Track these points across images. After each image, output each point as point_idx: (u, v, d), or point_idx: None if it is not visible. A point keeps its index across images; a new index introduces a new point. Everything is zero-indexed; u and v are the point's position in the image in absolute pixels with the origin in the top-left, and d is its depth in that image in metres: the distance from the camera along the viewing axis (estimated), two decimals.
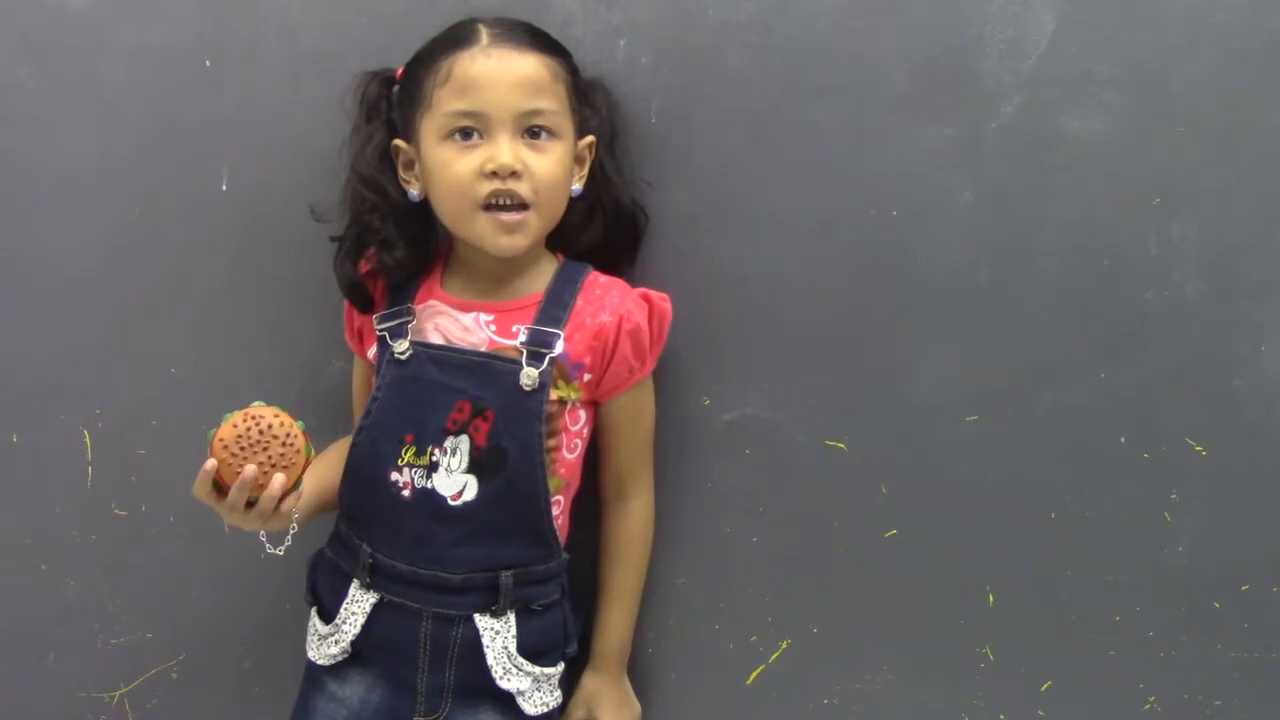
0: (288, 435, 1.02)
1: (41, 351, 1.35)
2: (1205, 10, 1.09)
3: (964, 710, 1.22)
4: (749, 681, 1.25)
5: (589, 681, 1.21)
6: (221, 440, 1.01)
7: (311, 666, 1.21)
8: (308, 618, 1.22)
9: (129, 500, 1.35)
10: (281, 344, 1.30)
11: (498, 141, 1.07)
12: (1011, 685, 1.20)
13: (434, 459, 1.11)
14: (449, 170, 1.08)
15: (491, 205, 1.08)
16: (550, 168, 1.09)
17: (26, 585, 1.38)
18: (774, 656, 1.24)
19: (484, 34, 1.09)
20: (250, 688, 1.36)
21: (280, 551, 1.09)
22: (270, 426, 1.01)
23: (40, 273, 1.33)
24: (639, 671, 1.27)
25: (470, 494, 1.11)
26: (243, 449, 1.01)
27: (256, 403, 1.03)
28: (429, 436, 1.11)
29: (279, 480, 1.01)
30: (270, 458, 1.01)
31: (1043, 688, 1.20)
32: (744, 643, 1.25)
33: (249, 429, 1.01)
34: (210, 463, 1.00)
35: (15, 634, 1.40)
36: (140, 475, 1.34)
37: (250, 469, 1.00)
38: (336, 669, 1.19)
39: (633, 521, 1.20)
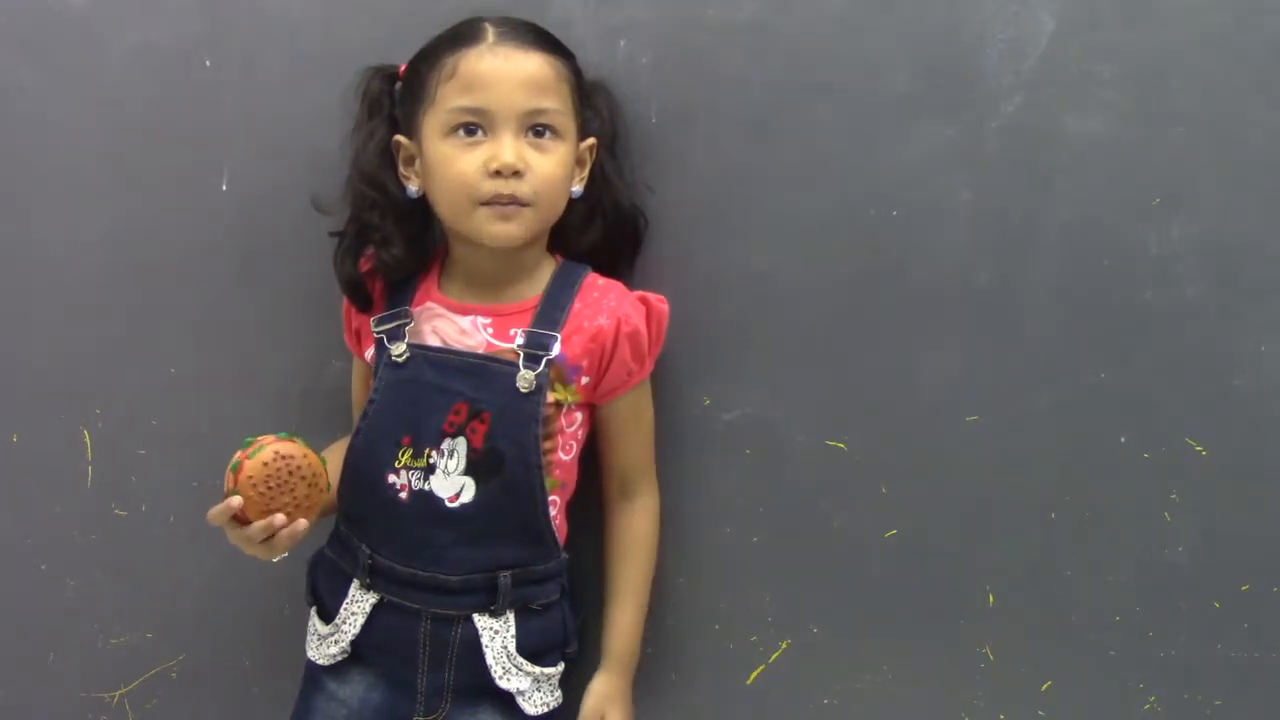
0: (314, 475, 1.03)
1: (41, 351, 1.35)
2: (1205, 10, 1.09)
3: (964, 710, 1.22)
4: (749, 681, 1.25)
5: (601, 684, 1.19)
6: (250, 478, 1.01)
7: (311, 666, 1.21)
8: (308, 618, 1.22)
9: (129, 500, 1.35)
10: (281, 344, 1.30)
11: (501, 140, 1.07)
12: (1011, 685, 1.20)
13: (431, 461, 1.11)
14: (452, 167, 1.08)
15: (490, 202, 1.08)
16: (552, 168, 1.09)
17: (26, 585, 1.38)
18: (774, 656, 1.24)
19: (490, 32, 1.09)
20: (250, 688, 1.36)
21: (275, 560, 1.09)
22: (299, 468, 1.02)
23: (40, 273, 1.33)
24: (639, 671, 1.27)
25: (468, 496, 1.11)
26: (270, 489, 1.01)
27: (282, 434, 1.03)
28: (426, 438, 1.11)
29: (302, 524, 1.03)
30: (295, 499, 1.02)
31: (1043, 688, 1.20)
32: (744, 643, 1.25)
33: (279, 469, 1.01)
34: (236, 500, 1.01)
35: (15, 634, 1.40)
36: (140, 475, 1.34)
37: (279, 518, 1.02)
38: (336, 669, 1.19)
39: (639, 519, 1.20)
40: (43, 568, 1.38)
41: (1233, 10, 1.08)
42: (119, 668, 1.38)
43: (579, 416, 1.15)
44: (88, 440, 1.35)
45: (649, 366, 1.17)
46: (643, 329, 1.14)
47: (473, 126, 1.08)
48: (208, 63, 1.27)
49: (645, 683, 1.26)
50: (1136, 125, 1.11)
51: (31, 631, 1.39)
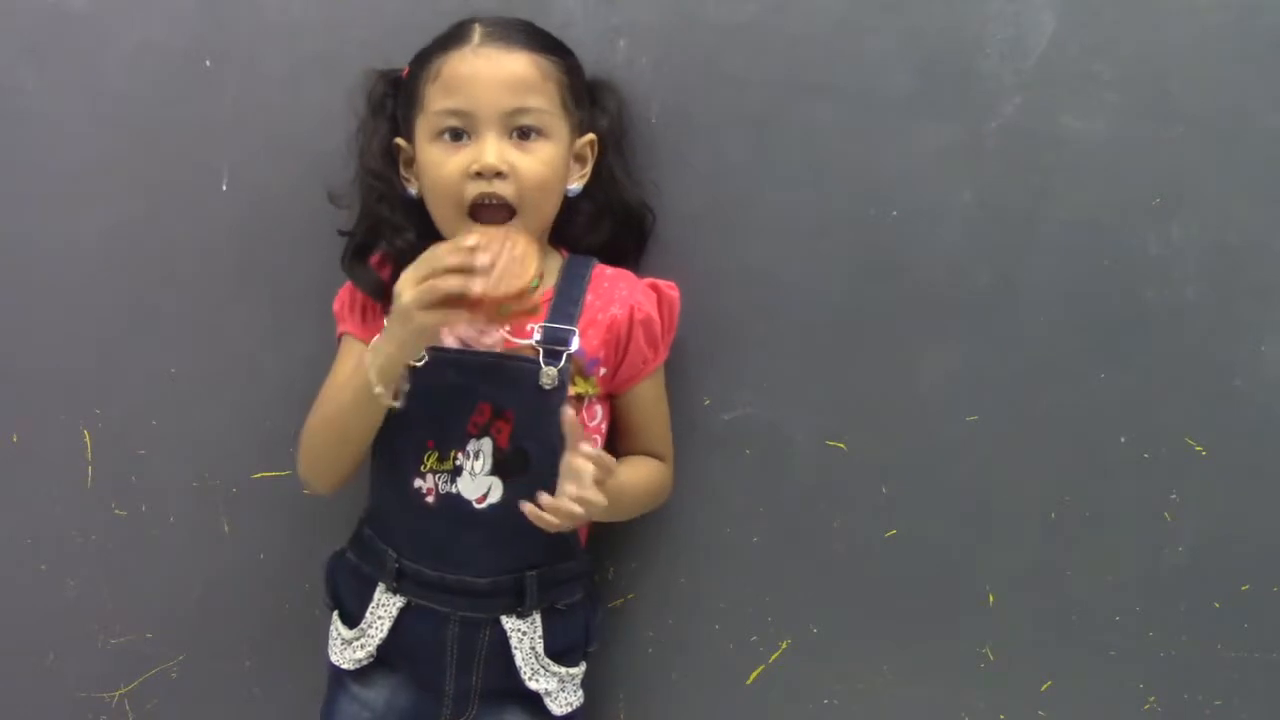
0: (524, 255, 1.00)
1: (41, 351, 1.34)
2: (1205, 10, 1.09)
3: (964, 710, 1.22)
4: (749, 681, 1.25)
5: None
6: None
7: (335, 670, 1.19)
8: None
9: (129, 500, 1.35)
10: (281, 344, 1.30)
11: (484, 141, 1.07)
12: (1011, 685, 1.20)
13: (457, 463, 1.10)
14: (438, 170, 1.08)
15: (478, 206, 1.07)
16: (537, 168, 1.08)
17: (26, 585, 1.38)
18: (774, 656, 1.24)
19: (477, 33, 1.09)
20: (250, 688, 1.36)
21: (398, 404, 1.05)
22: (517, 244, 1.00)
23: (40, 273, 1.33)
24: (639, 671, 1.27)
25: (495, 496, 1.10)
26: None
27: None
28: (451, 441, 1.10)
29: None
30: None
31: (1043, 688, 1.20)
32: (744, 643, 1.25)
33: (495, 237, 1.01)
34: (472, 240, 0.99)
35: (15, 634, 1.40)
36: (140, 475, 1.34)
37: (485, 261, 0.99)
38: (360, 672, 1.17)
39: (652, 464, 1.18)
40: (43, 568, 1.38)
41: (1233, 10, 1.08)
42: (119, 668, 1.38)
43: (599, 410, 1.15)
44: (88, 440, 1.34)
45: (664, 353, 1.17)
46: (655, 315, 1.14)
47: (458, 130, 1.08)
48: (208, 63, 1.27)
49: (646, 683, 1.26)
50: (1136, 125, 1.11)
51: (31, 631, 1.39)
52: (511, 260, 1.00)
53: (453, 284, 0.98)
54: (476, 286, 0.98)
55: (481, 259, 0.99)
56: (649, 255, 1.21)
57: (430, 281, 0.99)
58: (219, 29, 1.27)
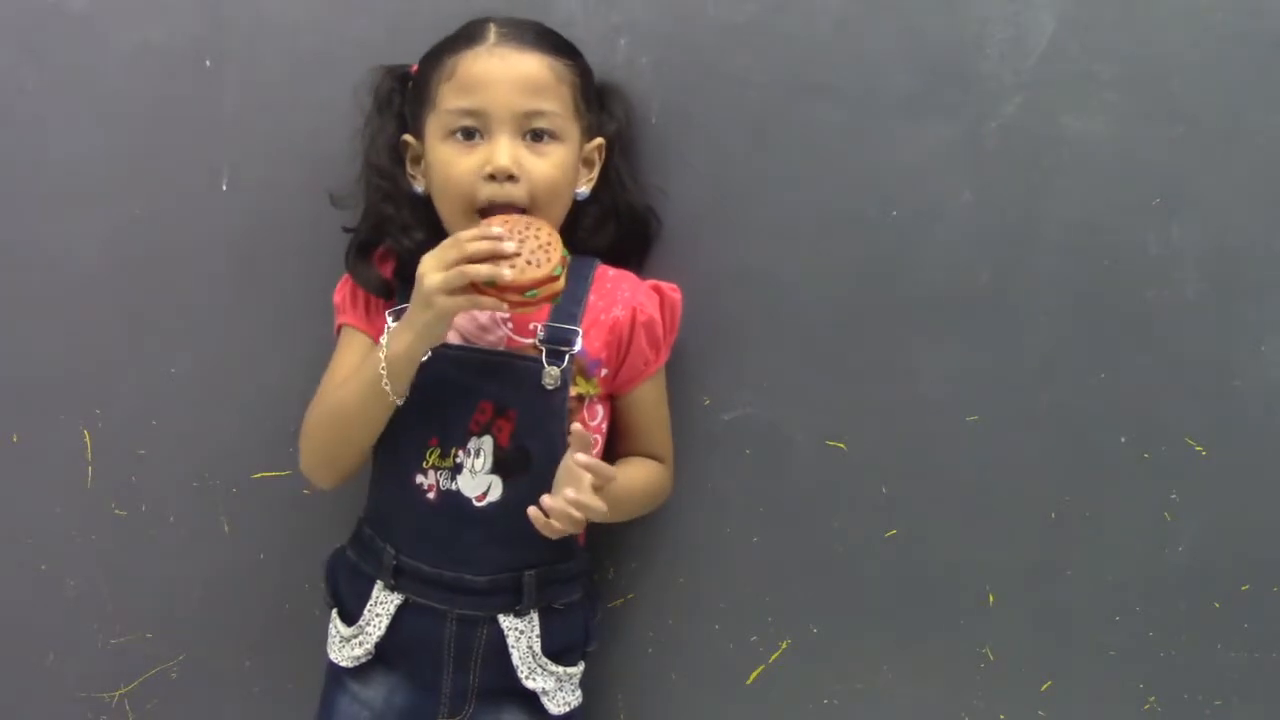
0: (549, 242, 1.02)
1: (41, 351, 1.34)
2: (1205, 10, 1.09)
3: (964, 710, 1.22)
4: (749, 681, 1.25)
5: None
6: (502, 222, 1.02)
7: (333, 667, 1.19)
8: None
9: (129, 500, 1.35)
10: (281, 344, 1.30)
11: (497, 142, 1.07)
12: (1011, 685, 1.20)
13: (458, 460, 1.11)
14: (450, 170, 1.08)
15: (487, 210, 1.08)
16: (549, 171, 1.08)
17: (26, 585, 1.38)
18: (774, 656, 1.24)
19: (492, 33, 1.09)
20: (250, 688, 1.36)
21: (399, 402, 1.06)
22: (541, 230, 1.02)
23: (40, 273, 1.33)
24: (639, 671, 1.27)
25: (495, 494, 1.11)
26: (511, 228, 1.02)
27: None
28: (453, 438, 1.11)
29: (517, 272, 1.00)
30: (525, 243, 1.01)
31: (1043, 688, 1.20)
32: (744, 643, 1.25)
33: (518, 224, 1.02)
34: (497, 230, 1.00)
35: (15, 634, 1.40)
36: (140, 475, 1.34)
37: (511, 247, 1.00)
38: (359, 670, 1.17)
39: (652, 466, 1.18)
40: (43, 568, 1.38)
41: (1233, 10, 1.08)
42: (119, 668, 1.38)
43: (600, 410, 1.15)
44: (88, 440, 1.34)
45: (665, 354, 1.17)
46: (657, 317, 1.14)
47: (470, 130, 1.08)
48: (208, 63, 1.27)
49: (646, 683, 1.26)
50: (1136, 125, 1.11)
51: (31, 631, 1.39)
52: (537, 246, 1.01)
53: (482, 271, 0.99)
54: (508, 273, 0.99)
55: (508, 245, 1.00)
56: (649, 254, 1.21)
57: (460, 268, 1.00)
58: (219, 29, 1.27)
